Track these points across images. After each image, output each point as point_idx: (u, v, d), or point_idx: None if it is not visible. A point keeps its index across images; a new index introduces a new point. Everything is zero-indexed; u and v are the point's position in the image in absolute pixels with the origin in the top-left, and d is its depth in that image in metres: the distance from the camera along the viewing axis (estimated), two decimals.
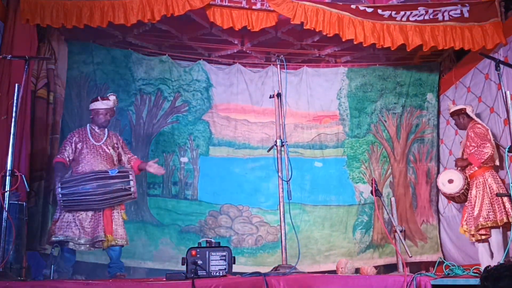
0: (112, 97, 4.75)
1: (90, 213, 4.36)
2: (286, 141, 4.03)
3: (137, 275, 5.49)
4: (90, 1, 4.85)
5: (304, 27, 5.26)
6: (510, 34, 5.11)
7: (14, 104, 3.51)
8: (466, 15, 5.29)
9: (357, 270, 5.19)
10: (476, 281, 2.97)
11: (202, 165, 6.19)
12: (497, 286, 2.33)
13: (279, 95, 4.12)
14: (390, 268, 5.90)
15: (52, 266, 4.16)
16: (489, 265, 2.51)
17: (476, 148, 4.94)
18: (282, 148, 4.03)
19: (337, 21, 5.19)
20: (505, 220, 4.65)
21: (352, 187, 6.37)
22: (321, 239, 6.14)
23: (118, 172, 4.43)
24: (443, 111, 6.44)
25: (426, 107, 6.57)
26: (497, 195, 4.61)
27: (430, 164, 6.47)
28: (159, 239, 5.78)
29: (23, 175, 3.52)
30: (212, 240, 3.47)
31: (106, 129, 4.77)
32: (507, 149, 3.82)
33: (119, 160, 4.79)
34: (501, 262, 3.18)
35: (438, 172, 6.34)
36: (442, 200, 6.19)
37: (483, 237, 4.83)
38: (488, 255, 4.87)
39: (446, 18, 5.28)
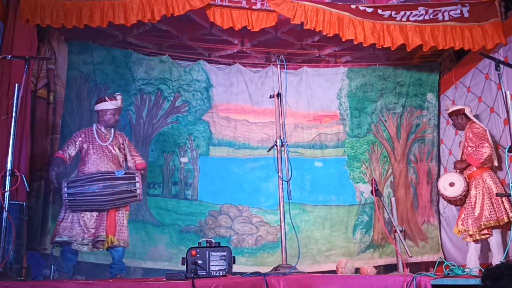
0: (119, 97, 4.76)
1: (95, 214, 4.36)
2: (286, 141, 4.03)
3: (137, 275, 5.49)
4: (90, 1, 4.85)
5: (304, 27, 5.26)
6: (510, 34, 5.11)
7: (14, 104, 3.51)
8: (466, 15, 5.29)
9: (357, 270, 5.18)
10: (476, 281, 2.97)
11: (202, 165, 6.19)
12: (498, 285, 2.33)
13: (279, 95, 4.12)
14: (390, 268, 5.89)
15: (52, 266, 4.17)
16: (491, 264, 2.51)
17: (474, 149, 4.94)
18: (282, 148, 4.02)
19: (337, 21, 5.19)
20: (505, 220, 4.65)
21: (352, 187, 6.37)
22: (322, 239, 6.14)
23: (125, 173, 4.44)
24: (443, 111, 6.44)
25: (427, 107, 6.57)
26: (497, 195, 4.61)
27: (431, 164, 6.47)
28: (159, 239, 5.78)
29: (23, 175, 3.52)
30: (212, 240, 3.46)
31: (112, 129, 4.75)
32: (507, 149, 3.82)
33: (126, 161, 4.79)
34: (502, 261, 3.18)
35: (438, 172, 6.35)
36: (442, 200, 6.18)
37: (483, 236, 4.83)
38: (477, 257, 4.89)
39: (446, 18, 5.28)
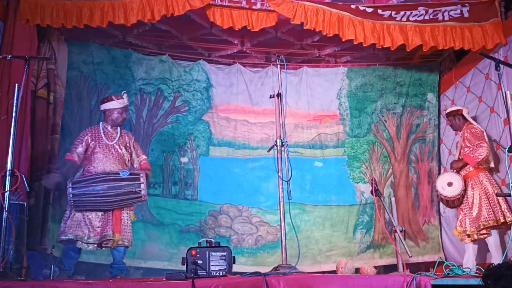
0: (125, 95, 4.75)
1: (100, 213, 4.35)
2: (286, 141, 4.03)
3: (137, 274, 5.49)
4: (90, 1, 4.85)
5: (304, 27, 5.26)
6: (510, 34, 5.11)
7: (14, 104, 3.51)
8: (466, 15, 5.29)
9: (357, 270, 5.18)
10: (476, 281, 2.97)
11: (202, 165, 6.19)
12: (498, 285, 2.34)
13: (279, 95, 4.12)
14: (390, 268, 5.88)
15: (52, 266, 4.17)
16: (492, 263, 2.52)
17: (472, 148, 4.93)
18: (282, 148, 4.02)
19: (337, 21, 5.19)
20: (501, 220, 4.66)
21: (353, 187, 6.37)
22: (322, 239, 6.14)
23: (129, 174, 4.43)
24: (443, 111, 6.44)
25: (427, 107, 6.58)
26: (497, 195, 4.61)
27: (431, 164, 6.47)
28: (159, 239, 5.78)
29: (23, 175, 3.52)
30: (212, 240, 3.46)
31: (118, 128, 4.74)
32: (507, 149, 3.82)
33: (131, 160, 4.78)
34: (502, 261, 3.18)
35: (439, 172, 6.34)
36: None
37: (481, 236, 4.83)
38: (474, 258, 4.88)
39: (446, 18, 5.28)
